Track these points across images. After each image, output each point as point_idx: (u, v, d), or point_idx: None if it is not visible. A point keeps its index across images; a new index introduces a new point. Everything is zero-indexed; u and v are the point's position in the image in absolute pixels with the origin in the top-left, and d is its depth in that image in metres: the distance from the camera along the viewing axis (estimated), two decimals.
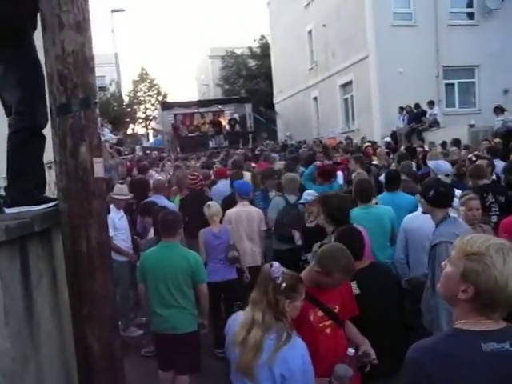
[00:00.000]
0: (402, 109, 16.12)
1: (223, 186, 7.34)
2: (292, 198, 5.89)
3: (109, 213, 4.89)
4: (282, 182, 6.25)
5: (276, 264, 2.53)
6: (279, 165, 8.42)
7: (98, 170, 2.43)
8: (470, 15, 18.21)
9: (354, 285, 3.37)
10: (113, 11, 27.00)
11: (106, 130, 8.59)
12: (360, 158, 7.58)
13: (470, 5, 18.14)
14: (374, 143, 13.24)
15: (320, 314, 2.95)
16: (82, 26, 2.37)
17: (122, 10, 27.63)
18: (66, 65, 2.32)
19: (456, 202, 4.89)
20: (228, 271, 5.24)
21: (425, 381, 1.45)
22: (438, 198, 3.41)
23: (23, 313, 1.91)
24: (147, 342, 5.22)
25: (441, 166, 5.88)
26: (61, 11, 2.31)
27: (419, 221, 4.21)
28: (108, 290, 2.52)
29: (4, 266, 1.76)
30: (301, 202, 5.44)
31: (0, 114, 2.70)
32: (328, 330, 2.97)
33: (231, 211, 5.64)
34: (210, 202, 5.52)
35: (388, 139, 14.53)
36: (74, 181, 2.36)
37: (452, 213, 3.67)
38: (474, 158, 6.33)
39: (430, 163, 6.29)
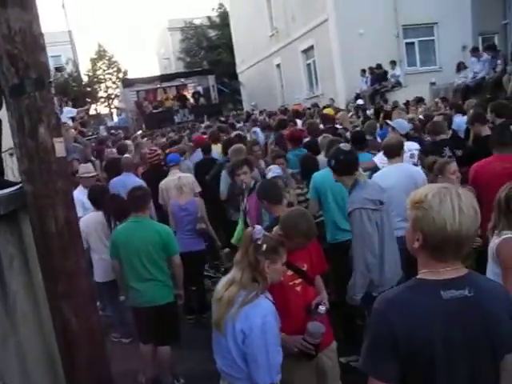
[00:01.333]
0: (364, 71, 16.24)
1: (199, 156, 7.47)
2: None
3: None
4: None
5: (258, 227, 2.68)
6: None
7: (60, 149, 2.44)
8: None
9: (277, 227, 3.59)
10: None
11: (67, 109, 8.39)
12: (310, 123, 7.64)
13: None
14: (333, 108, 13.33)
15: (289, 272, 3.07)
16: (27, 4, 2.33)
17: None
18: (14, 44, 2.29)
19: (408, 154, 5.08)
20: (194, 242, 5.34)
21: (388, 330, 1.53)
22: (340, 165, 3.58)
23: None
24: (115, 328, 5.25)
25: (400, 124, 6.04)
26: None
27: (393, 177, 4.39)
28: (81, 266, 2.57)
29: None
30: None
31: None
32: (298, 288, 3.10)
33: (162, 182, 6.00)
34: (181, 174, 5.70)
35: (361, 101, 14.40)
36: (36, 162, 2.37)
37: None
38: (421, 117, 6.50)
39: (391, 122, 6.44)
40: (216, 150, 7.55)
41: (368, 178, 4.70)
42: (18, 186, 2.50)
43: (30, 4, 2.37)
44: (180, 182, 5.49)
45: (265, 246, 2.56)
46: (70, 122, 9.50)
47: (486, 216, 2.16)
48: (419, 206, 1.57)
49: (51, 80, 2.43)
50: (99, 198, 4.94)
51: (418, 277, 1.63)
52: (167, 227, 4.19)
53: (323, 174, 4.68)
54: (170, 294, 4.09)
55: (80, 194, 5.15)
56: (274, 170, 5.05)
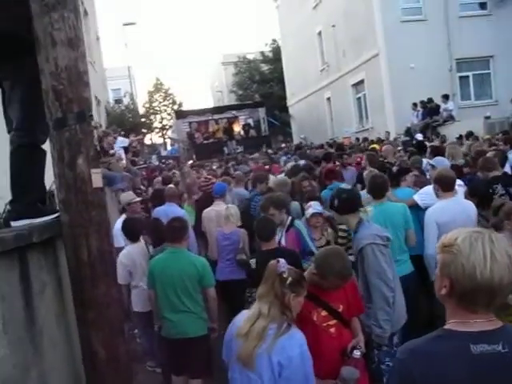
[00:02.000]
0: (415, 105, 15.99)
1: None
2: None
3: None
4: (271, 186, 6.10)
5: (282, 260, 2.68)
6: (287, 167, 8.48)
7: (96, 180, 2.51)
8: (482, 5, 17.96)
9: (252, 260, 3.82)
10: (124, 25, 27.46)
11: (120, 139, 8.75)
12: (371, 155, 7.55)
13: None
14: (381, 141, 13.13)
15: (324, 313, 2.98)
16: (74, 43, 2.45)
17: (133, 24, 28.06)
18: (60, 80, 2.41)
19: (461, 190, 4.87)
20: (235, 271, 5.29)
21: (410, 383, 1.42)
22: (343, 204, 3.57)
23: (24, 321, 1.98)
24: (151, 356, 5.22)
25: (440, 162, 5.84)
26: (53, 29, 2.40)
27: (450, 212, 4.24)
28: (112, 296, 2.59)
29: (1, 276, 1.83)
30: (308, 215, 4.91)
31: (2, 132, 2.80)
32: (332, 330, 3.00)
33: (205, 211, 6.12)
34: (229, 205, 5.83)
35: (420, 136, 13.96)
36: (73, 192, 2.44)
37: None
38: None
39: (432, 160, 6.26)
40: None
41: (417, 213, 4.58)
42: (56, 215, 2.57)
43: (77, 43, 2.49)
44: (228, 212, 5.54)
45: (290, 279, 2.56)
46: (122, 152, 9.87)
47: None
48: (448, 250, 1.46)
49: (91, 113, 2.52)
50: (132, 230, 5.00)
51: (445, 327, 1.50)
52: (203, 259, 4.18)
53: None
54: (204, 326, 4.05)
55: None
56: (314, 207, 4.93)
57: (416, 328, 3.36)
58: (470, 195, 4.68)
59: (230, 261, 5.37)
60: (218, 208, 5.97)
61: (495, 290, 1.41)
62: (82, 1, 18.53)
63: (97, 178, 2.51)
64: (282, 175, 7.84)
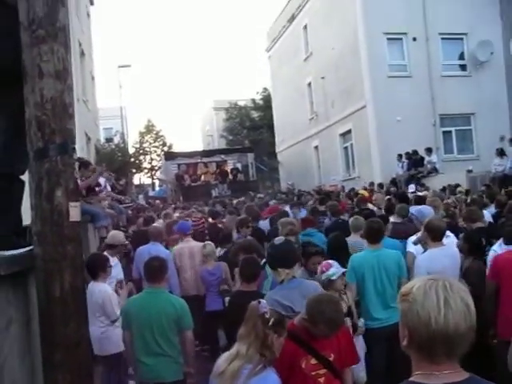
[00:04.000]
0: (400, 156, 16.26)
1: (264, 224, 7.65)
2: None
3: None
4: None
5: (263, 301, 2.66)
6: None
7: (74, 214, 2.42)
8: (463, 67, 18.71)
9: (227, 299, 3.94)
10: (119, 67, 27.95)
11: (102, 179, 8.72)
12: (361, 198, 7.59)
13: (461, 57, 18.66)
14: (370, 189, 13.23)
15: (313, 361, 2.84)
16: (61, 75, 2.43)
17: (128, 66, 28.59)
18: (44, 111, 2.37)
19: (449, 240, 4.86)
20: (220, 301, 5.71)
21: None
22: (270, 260, 3.61)
23: None
24: None
25: (422, 212, 5.86)
26: (41, 61, 2.38)
27: (441, 261, 4.27)
28: (82, 336, 2.46)
29: None
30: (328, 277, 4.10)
31: None
32: (322, 380, 2.84)
33: (177, 248, 6.68)
34: (206, 243, 6.25)
35: (412, 188, 13.91)
36: (49, 225, 2.35)
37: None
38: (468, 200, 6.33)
39: (413, 209, 6.28)
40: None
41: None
42: (29, 248, 2.47)
43: (65, 76, 2.47)
44: (206, 251, 6.03)
45: (272, 320, 2.51)
46: (109, 188, 9.80)
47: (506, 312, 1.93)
48: (405, 299, 1.43)
49: (74, 146, 2.47)
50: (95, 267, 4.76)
51: (409, 379, 1.43)
52: (182, 301, 4.04)
53: (362, 256, 4.50)
54: (180, 371, 3.87)
55: None
56: (336, 266, 4.10)
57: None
58: (464, 241, 4.69)
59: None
60: (188, 245, 6.57)
61: (452, 338, 1.34)
62: (81, 42, 18.93)
63: (74, 211, 2.43)
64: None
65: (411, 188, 13.30)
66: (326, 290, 3.80)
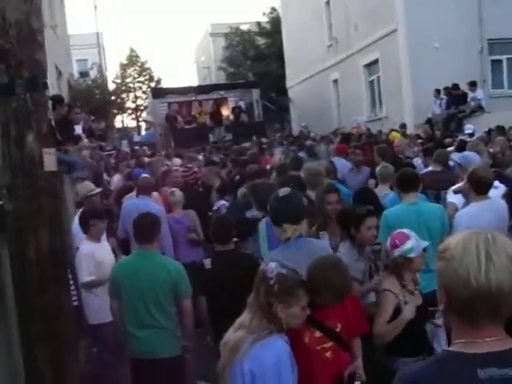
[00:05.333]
0: (438, 91, 16.01)
1: None
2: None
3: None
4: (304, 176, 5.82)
5: (272, 264, 2.67)
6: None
7: (49, 162, 2.45)
8: None
9: (207, 260, 4.07)
10: None
11: (77, 126, 8.72)
12: (382, 150, 7.55)
13: None
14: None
15: (318, 334, 2.93)
16: None
17: None
18: (7, 38, 2.35)
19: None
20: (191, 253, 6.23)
21: None
22: (274, 215, 3.46)
23: None
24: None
25: (468, 158, 5.81)
26: None
27: (485, 218, 4.24)
28: (63, 304, 2.54)
29: None
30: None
31: None
32: (328, 354, 2.94)
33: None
34: (173, 190, 6.62)
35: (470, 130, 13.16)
36: (20, 175, 2.39)
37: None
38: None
39: (455, 156, 6.25)
40: None
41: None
42: None
43: None
44: (174, 198, 6.47)
45: (276, 287, 2.55)
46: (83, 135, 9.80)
47: None
48: (442, 257, 1.46)
49: (46, 81, 2.46)
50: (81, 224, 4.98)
51: (449, 348, 1.48)
52: (178, 264, 4.13)
53: (399, 211, 4.54)
54: (177, 345, 4.00)
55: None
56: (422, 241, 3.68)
57: None
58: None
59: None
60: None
61: (495, 298, 1.37)
62: None
63: (49, 159, 2.45)
64: None
65: (468, 129, 12.48)
66: (399, 273, 3.45)
